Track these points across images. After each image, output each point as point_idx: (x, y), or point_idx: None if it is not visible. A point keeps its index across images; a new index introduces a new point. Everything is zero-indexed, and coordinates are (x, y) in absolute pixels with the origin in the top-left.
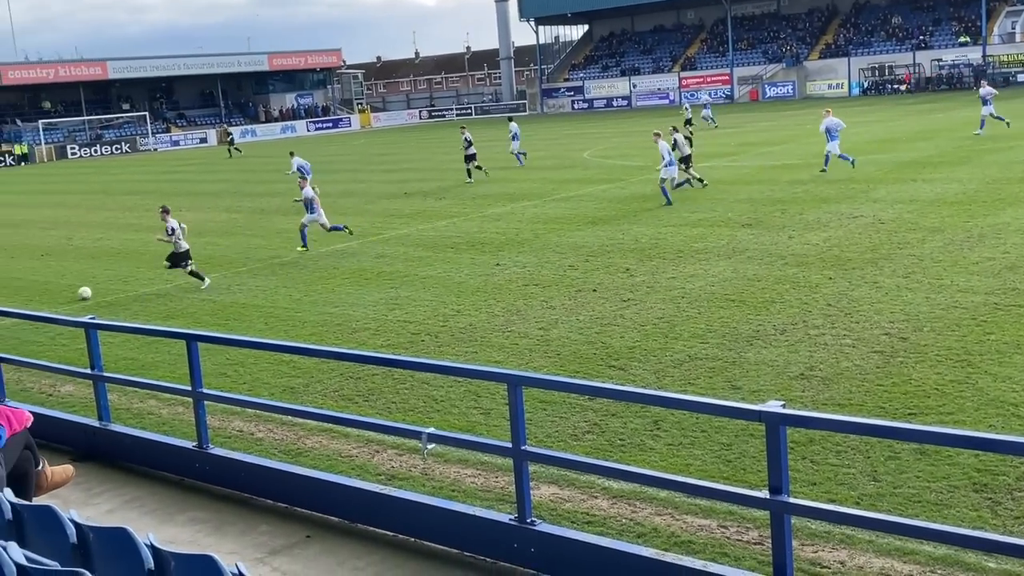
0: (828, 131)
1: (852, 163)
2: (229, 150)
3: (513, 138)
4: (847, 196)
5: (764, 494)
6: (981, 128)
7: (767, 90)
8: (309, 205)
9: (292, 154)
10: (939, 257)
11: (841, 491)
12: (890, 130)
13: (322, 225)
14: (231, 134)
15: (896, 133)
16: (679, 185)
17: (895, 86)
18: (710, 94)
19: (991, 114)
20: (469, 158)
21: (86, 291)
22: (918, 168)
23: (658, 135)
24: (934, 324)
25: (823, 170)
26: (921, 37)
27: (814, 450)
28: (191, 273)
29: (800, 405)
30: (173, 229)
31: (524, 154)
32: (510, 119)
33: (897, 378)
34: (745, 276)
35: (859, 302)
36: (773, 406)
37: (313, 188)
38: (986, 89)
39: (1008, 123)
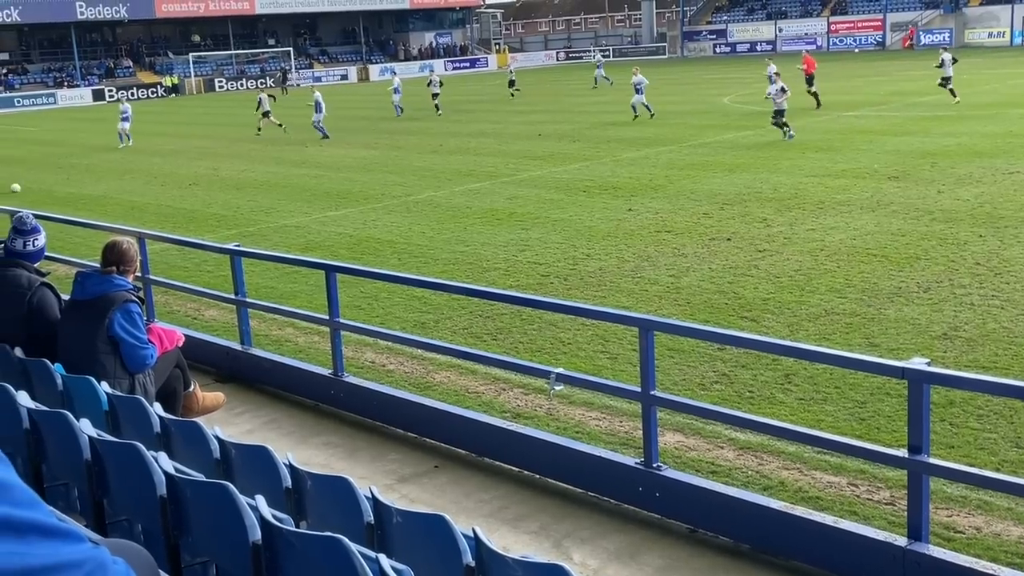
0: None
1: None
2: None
3: (637, 91)
4: (1004, 151)
5: (903, 453)
6: None
7: (922, 37)
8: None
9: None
10: None
11: (981, 456)
12: None
13: None
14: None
15: None
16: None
17: None
18: (604, 54)
19: None
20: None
21: (16, 187)
22: None
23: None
24: None
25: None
26: None
27: (953, 412)
28: None
29: (943, 366)
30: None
31: (647, 107)
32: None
33: None
34: (889, 231)
35: (1011, 262)
36: (917, 363)
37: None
38: None
39: None
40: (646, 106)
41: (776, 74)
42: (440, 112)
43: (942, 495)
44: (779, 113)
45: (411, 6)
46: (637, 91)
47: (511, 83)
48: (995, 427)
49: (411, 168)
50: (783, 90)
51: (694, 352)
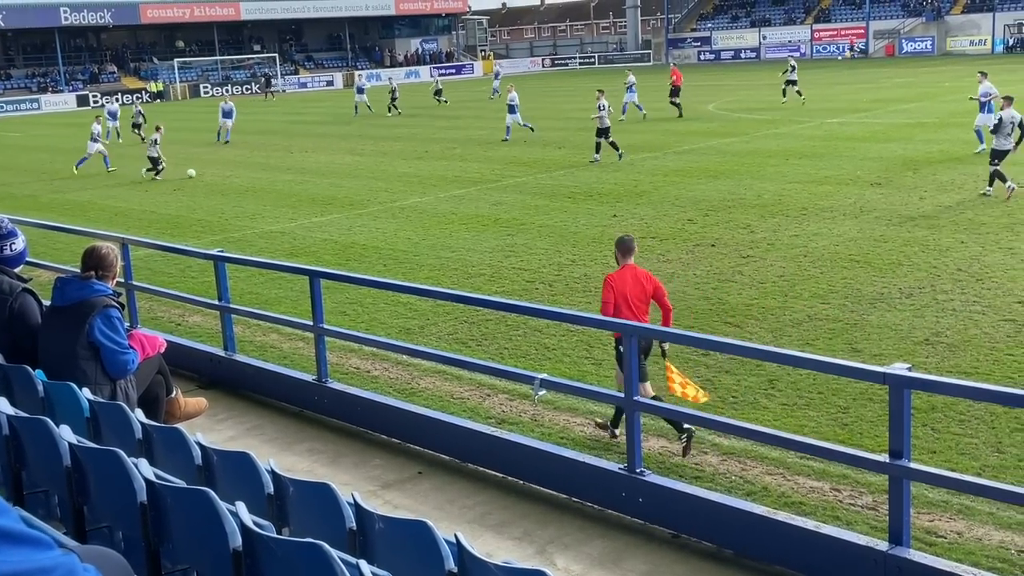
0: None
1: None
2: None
3: (629, 90)
4: (984, 158)
5: (884, 458)
6: None
7: (904, 45)
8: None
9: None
10: None
11: (962, 461)
12: None
13: None
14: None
15: None
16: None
17: None
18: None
19: None
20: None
21: (191, 172)
22: None
23: (983, 74)
24: None
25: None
26: None
27: (935, 417)
28: None
29: (924, 371)
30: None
31: (639, 107)
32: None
33: None
34: (872, 237)
35: (992, 268)
36: (898, 368)
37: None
38: None
39: None
40: (637, 106)
41: (633, 84)
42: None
43: (924, 500)
44: (602, 132)
45: (397, 12)
46: (629, 90)
47: (437, 92)
48: (976, 432)
49: (396, 174)
50: (602, 107)
51: (679, 358)
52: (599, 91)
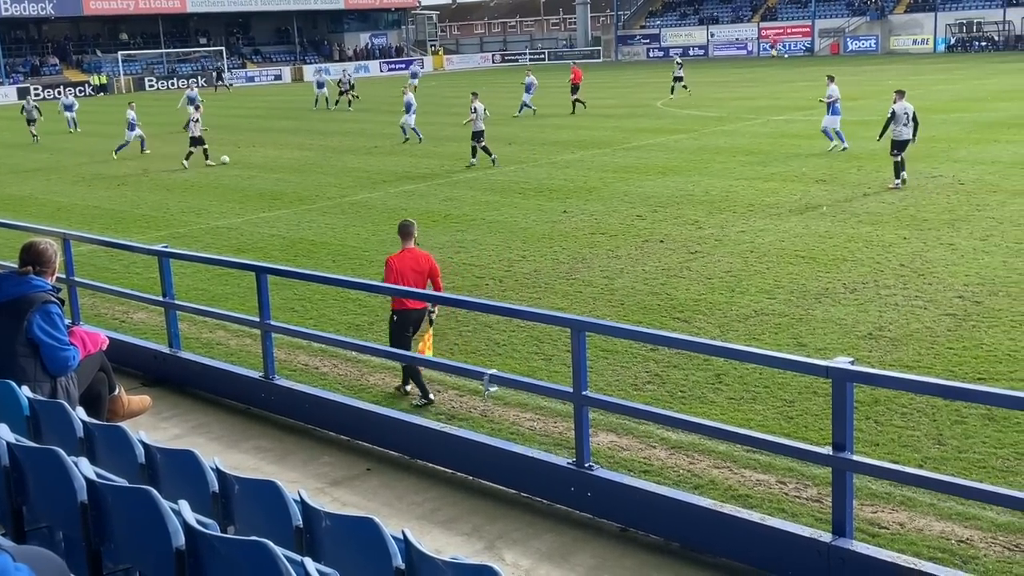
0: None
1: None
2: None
3: (527, 89)
4: (927, 155)
5: (827, 451)
6: None
7: (849, 43)
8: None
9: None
10: (1019, 220)
11: (904, 453)
12: (974, 89)
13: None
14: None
15: (981, 93)
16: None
17: (982, 43)
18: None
19: None
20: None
21: (225, 158)
22: (1002, 129)
23: (831, 78)
24: (1010, 289)
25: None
26: None
27: (879, 411)
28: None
29: (867, 365)
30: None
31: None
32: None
33: (968, 342)
34: (817, 233)
35: (933, 263)
36: (841, 362)
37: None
38: None
39: None
40: (527, 104)
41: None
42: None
43: (867, 492)
44: (477, 135)
45: (346, 6)
46: (527, 90)
47: (349, 88)
48: (918, 424)
49: (346, 169)
50: (474, 111)
51: (627, 353)
52: (473, 93)
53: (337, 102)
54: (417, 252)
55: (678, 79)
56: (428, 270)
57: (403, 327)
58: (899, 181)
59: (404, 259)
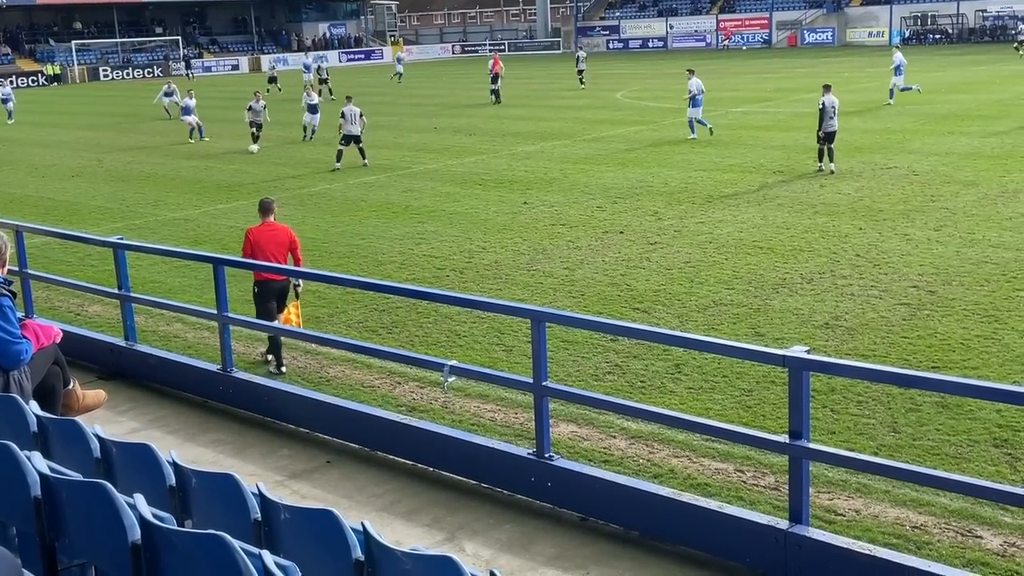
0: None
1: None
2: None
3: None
4: (881, 146)
5: (784, 439)
6: None
7: (806, 36)
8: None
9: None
10: (972, 211)
11: (860, 441)
12: (929, 81)
13: None
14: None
15: (935, 85)
16: None
17: (936, 36)
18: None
19: None
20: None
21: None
22: (956, 121)
23: (691, 72)
24: (963, 279)
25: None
26: None
27: (835, 399)
28: None
29: (824, 354)
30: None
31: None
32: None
33: (923, 331)
34: (774, 224)
35: (888, 253)
36: (797, 351)
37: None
38: None
39: None
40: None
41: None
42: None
43: (824, 479)
44: (349, 139)
45: None
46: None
47: (271, 79)
48: (873, 413)
49: (304, 160)
50: (344, 115)
51: (588, 343)
52: (347, 97)
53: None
54: (276, 225)
55: (581, 72)
56: (288, 242)
57: (266, 298)
58: (822, 166)
59: (263, 232)
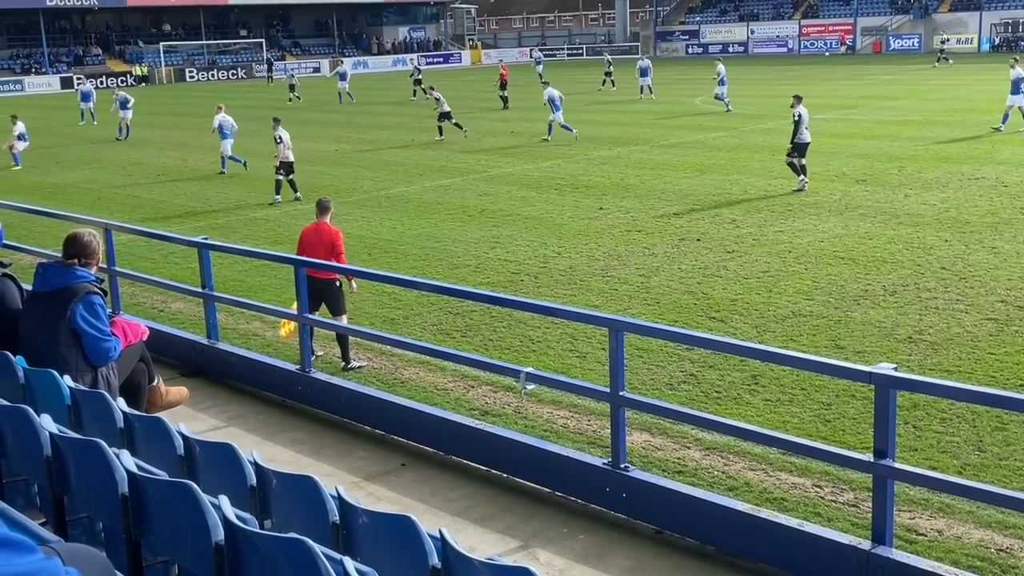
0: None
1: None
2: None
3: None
4: (970, 156)
5: (868, 457)
6: None
7: (891, 42)
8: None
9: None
10: None
11: (943, 459)
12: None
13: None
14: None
15: None
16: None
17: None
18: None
19: None
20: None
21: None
22: None
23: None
24: None
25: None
26: None
27: (917, 415)
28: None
29: (906, 369)
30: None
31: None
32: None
33: (1011, 347)
34: (856, 234)
35: (975, 267)
36: (884, 368)
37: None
38: None
39: None
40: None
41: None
42: (414, 99)
43: (904, 497)
44: (284, 167)
45: (385, 0)
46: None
47: (292, 87)
48: (957, 430)
49: (382, 163)
50: (279, 139)
51: (662, 352)
52: (275, 120)
53: (415, 93)
54: (324, 226)
55: (608, 75)
56: (329, 242)
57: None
58: (804, 179)
59: (310, 231)
